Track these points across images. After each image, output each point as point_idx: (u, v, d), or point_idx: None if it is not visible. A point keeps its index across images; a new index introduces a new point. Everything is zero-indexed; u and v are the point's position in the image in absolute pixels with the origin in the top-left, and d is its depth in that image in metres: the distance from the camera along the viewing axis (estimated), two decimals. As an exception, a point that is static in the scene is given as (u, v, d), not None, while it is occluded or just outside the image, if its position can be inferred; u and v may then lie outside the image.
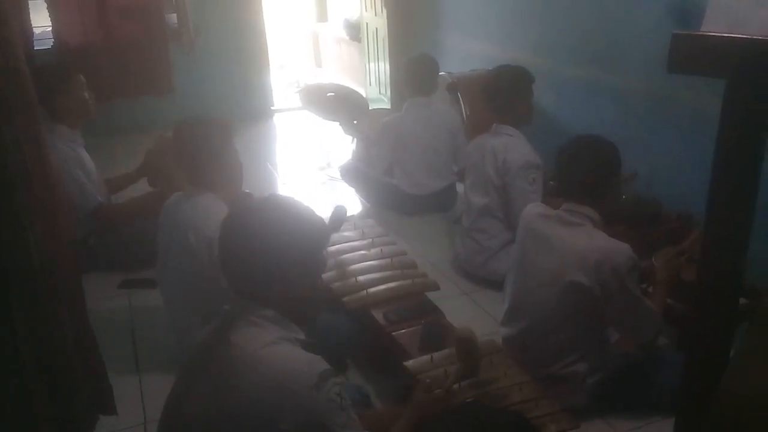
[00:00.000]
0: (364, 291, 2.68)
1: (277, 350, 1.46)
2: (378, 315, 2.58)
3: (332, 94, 4.84)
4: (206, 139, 2.46)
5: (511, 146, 3.21)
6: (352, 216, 4.09)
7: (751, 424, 1.15)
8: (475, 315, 3.08)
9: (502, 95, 3.25)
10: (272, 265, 1.49)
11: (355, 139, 4.90)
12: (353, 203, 4.47)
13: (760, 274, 2.55)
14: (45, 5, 5.59)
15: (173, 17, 6.00)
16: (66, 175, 3.26)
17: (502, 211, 3.26)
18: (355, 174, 4.55)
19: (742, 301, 1.59)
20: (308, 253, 1.54)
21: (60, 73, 3.41)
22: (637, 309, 2.22)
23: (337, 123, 4.77)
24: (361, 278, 2.75)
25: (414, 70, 4.25)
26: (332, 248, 2.96)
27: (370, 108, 5.18)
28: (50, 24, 5.68)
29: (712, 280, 1.24)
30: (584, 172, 2.25)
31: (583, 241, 2.20)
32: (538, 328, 2.32)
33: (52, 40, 5.71)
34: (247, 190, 2.75)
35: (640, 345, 2.33)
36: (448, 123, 4.21)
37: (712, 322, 1.27)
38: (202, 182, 2.49)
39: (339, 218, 2.69)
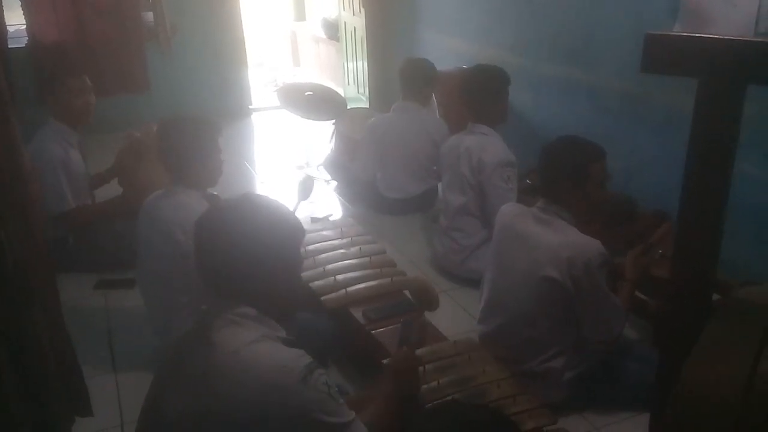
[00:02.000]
0: (343, 290, 2.68)
1: (260, 348, 1.45)
2: (357, 314, 2.59)
3: (310, 93, 4.83)
4: (193, 136, 2.46)
5: (486, 145, 3.23)
6: (330, 215, 4.10)
7: (708, 415, 1.16)
8: (453, 313, 3.09)
9: (477, 94, 3.27)
10: (249, 263, 1.49)
11: (334, 138, 4.90)
12: (334, 204, 4.46)
13: (732, 270, 2.60)
14: (19, 3, 5.52)
15: (149, 15, 5.95)
16: (46, 174, 3.25)
17: (479, 210, 3.28)
18: (338, 168, 4.54)
19: (714, 296, 1.61)
20: (285, 250, 1.54)
21: (62, 73, 3.40)
22: (606, 305, 2.25)
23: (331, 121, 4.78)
24: (340, 277, 2.75)
25: (404, 74, 4.16)
26: (311, 247, 2.96)
27: (348, 107, 5.18)
28: (24, 22, 5.61)
29: (685, 276, 1.26)
30: (555, 172, 2.28)
31: (555, 238, 2.23)
32: (514, 324, 2.34)
33: (27, 38, 5.63)
34: (215, 192, 2.74)
35: (602, 342, 2.34)
36: (433, 131, 4.09)
37: (685, 317, 1.29)
38: (186, 180, 2.49)
39: (307, 188, 2.71)
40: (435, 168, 4.08)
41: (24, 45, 5.62)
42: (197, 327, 1.54)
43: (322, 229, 3.20)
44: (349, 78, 6.91)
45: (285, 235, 1.54)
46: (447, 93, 4.53)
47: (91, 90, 3.44)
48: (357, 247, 3.01)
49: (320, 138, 5.42)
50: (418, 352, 2.25)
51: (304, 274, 2.70)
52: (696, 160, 1.17)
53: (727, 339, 1.19)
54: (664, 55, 1.16)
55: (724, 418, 1.12)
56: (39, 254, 1.81)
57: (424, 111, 4.23)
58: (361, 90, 6.61)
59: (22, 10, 5.54)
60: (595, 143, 2.30)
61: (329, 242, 3.06)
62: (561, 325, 2.30)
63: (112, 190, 3.70)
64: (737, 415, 1.10)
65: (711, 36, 1.11)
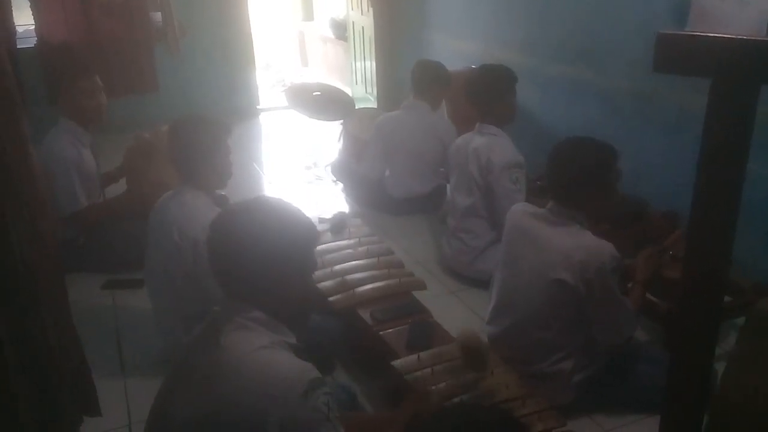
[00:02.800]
0: (351, 291, 2.67)
1: (267, 355, 1.44)
2: (365, 314, 2.58)
3: (318, 93, 4.83)
4: (203, 137, 2.46)
5: (494, 146, 3.22)
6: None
7: (746, 428, 1.15)
8: (461, 314, 3.08)
9: (484, 94, 3.26)
10: (262, 266, 1.48)
11: (342, 138, 4.89)
12: (340, 203, 4.46)
13: (741, 270, 2.58)
14: (28, 3, 5.54)
15: (158, 15, 5.96)
16: (58, 174, 3.29)
17: (487, 211, 3.27)
18: (345, 170, 4.54)
19: (726, 299, 1.60)
20: (298, 253, 1.53)
21: (75, 73, 3.42)
22: (618, 309, 2.24)
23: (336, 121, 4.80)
24: (348, 278, 2.75)
25: (415, 73, 4.16)
26: (319, 248, 2.95)
27: (356, 107, 5.18)
28: (33, 22, 5.63)
29: (697, 278, 1.25)
30: (570, 174, 2.25)
31: (569, 240, 2.21)
32: (524, 325, 2.33)
33: (35, 38, 5.66)
34: (223, 193, 2.75)
35: (612, 345, 2.33)
36: (441, 132, 4.08)
37: (696, 320, 1.27)
38: (195, 181, 2.49)
39: (341, 222, 2.73)
40: (442, 169, 4.07)
41: (33, 45, 5.64)
42: (207, 329, 1.54)
43: (329, 230, 3.20)
44: (357, 78, 6.91)
45: (297, 238, 1.53)
46: (455, 93, 4.52)
47: (102, 90, 3.46)
48: (365, 248, 3.00)
49: (328, 138, 5.42)
50: (425, 354, 2.25)
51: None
52: (708, 161, 1.16)
53: (761, 351, 1.18)
54: (675, 55, 1.15)
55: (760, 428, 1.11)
56: (47, 255, 1.81)
57: (434, 112, 4.20)
58: (370, 90, 6.60)
59: (31, 10, 5.56)
60: (606, 143, 2.27)
61: (337, 243, 3.05)
62: (571, 326, 2.28)
63: (121, 189, 3.72)
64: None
65: (723, 36, 1.09)
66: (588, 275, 2.16)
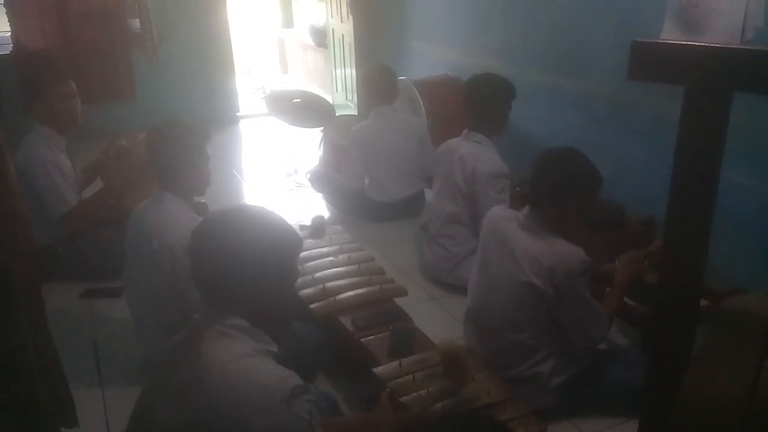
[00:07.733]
0: (332, 298, 2.67)
1: (248, 363, 1.43)
2: (346, 322, 2.57)
3: (298, 100, 4.83)
4: (182, 143, 2.43)
5: (480, 154, 3.23)
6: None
7: (711, 427, 1.16)
8: (443, 320, 3.09)
9: (483, 103, 3.25)
10: (244, 274, 1.47)
11: (322, 145, 4.89)
12: (321, 210, 4.46)
13: (716, 276, 2.61)
14: (4, 11, 5.48)
15: (136, 22, 5.93)
16: (42, 178, 3.27)
17: (470, 219, 3.28)
18: (324, 180, 4.54)
19: (702, 302, 1.62)
20: (280, 262, 1.53)
21: (49, 77, 3.40)
22: (586, 312, 2.27)
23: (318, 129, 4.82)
24: (328, 285, 2.74)
25: (375, 81, 4.29)
26: (300, 255, 2.94)
27: (336, 114, 5.18)
28: (9, 30, 5.57)
29: (673, 282, 1.26)
30: (547, 183, 2.28)
31: (539, 245, 2.24)
32: (498, 329, 2.34)
33: (11, 45, 5.60)
34: (203, 200, 2.73)
35: (585, 346, 2.36)
36: (416, 129, 4.25)
37: (673, 323, 1.29)
38: (174, 188, 2.46)
39: (320, 227, 2.72)
40: (424, 167, 4.10)
41: (9, 52, 5.58)
42: (187, 337, 1.52)
43: (308, 235, 3.19)
44: (338, 85, 6.91)
45: (280, 247, 1.52)
46: (435, 101, 4.55)
47: (77, 95, 3.44)
48: (346, 255, 3.00)
49: (308, 145, 5.42)
50: (406, 361, 2.25)
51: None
52: (683, 167, 1.18)
53: (726, 349, 1.19)
54: (650, 63, 1.17)
55: (723, 427, 1.12)
56: (23, 263, 1.79)
57: (397, 108, 4.39)
58: (350, 97, 6.61)
59: (7, 17, 5.51)
60: (593, 169, 2.28)
61: (318, 250, 3.05)
62: (545, 330, 2.31)
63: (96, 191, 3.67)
64: (740, 426, 1.10)
65: (697, 43, 1.12)
66: (556, 280, 2.19)
